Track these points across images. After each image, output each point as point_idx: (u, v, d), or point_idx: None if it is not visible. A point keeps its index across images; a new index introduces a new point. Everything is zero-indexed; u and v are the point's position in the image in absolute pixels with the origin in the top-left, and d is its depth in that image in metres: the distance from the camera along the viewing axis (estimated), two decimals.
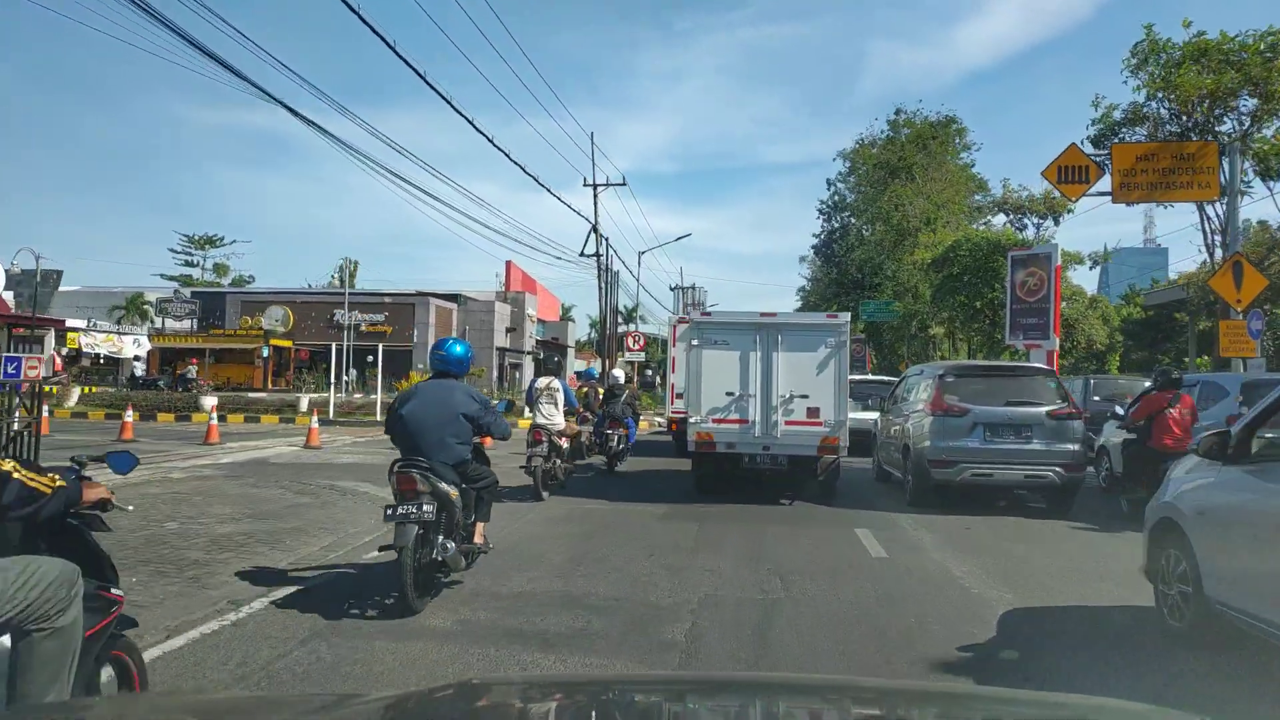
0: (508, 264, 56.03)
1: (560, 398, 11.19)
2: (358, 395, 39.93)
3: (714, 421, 10.43)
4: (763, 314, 10.67)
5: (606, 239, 30.03)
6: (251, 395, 33.18)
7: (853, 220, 49.96)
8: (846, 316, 10.99)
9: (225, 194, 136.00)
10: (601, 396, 14.98)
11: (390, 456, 6.14)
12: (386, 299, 44.02)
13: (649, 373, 23.47)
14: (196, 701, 2.72)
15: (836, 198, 51.80)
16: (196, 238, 70.96)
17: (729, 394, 10.40)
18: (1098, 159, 14.80)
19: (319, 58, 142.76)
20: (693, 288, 57.60)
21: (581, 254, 29.41)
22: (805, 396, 10.29)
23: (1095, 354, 38.03)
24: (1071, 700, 2.20)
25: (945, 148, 40.29)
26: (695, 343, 10.61)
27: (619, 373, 15.84)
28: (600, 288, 30.06)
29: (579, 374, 36.70)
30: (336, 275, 59.57)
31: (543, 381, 11.48)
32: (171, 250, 72.49)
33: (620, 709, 1.89)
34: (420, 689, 3.24)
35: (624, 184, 30.38)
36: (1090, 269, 30.25)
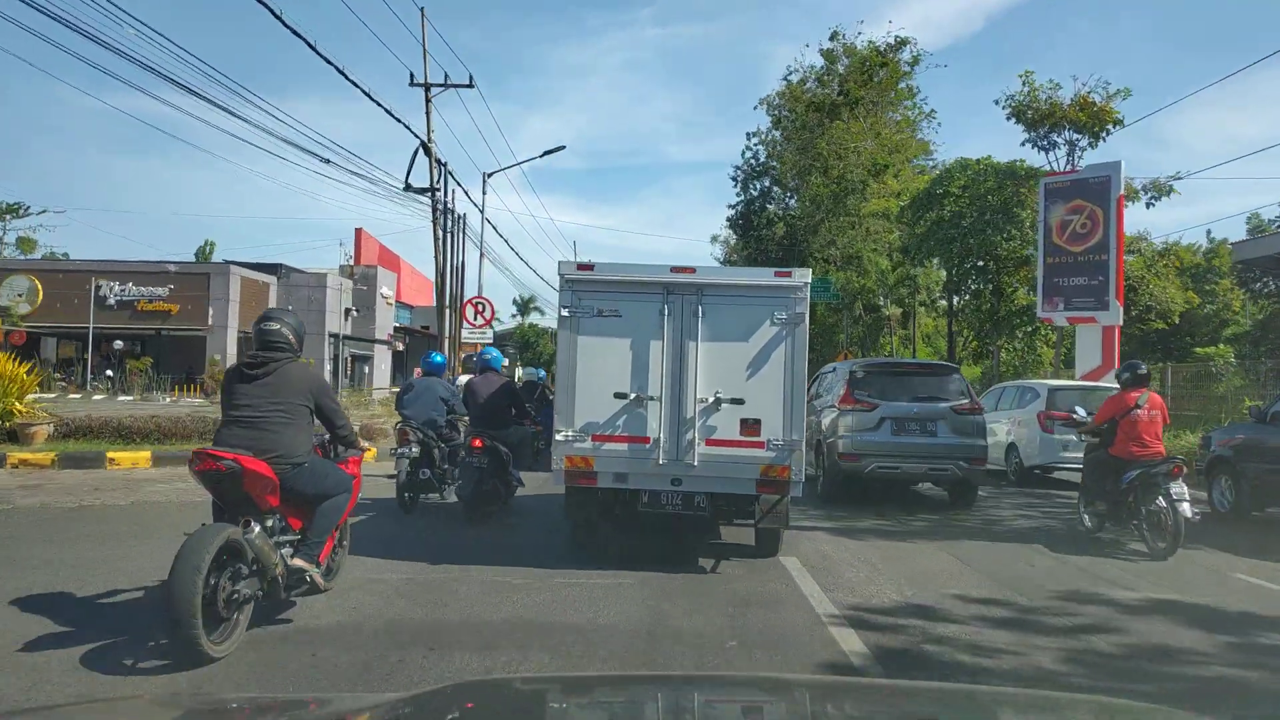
0: (358, 232, 45.56)
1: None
2: (123, 397, 29.27)
3: (594, 440, 6.91)
4: (675, 269, 7.00)
5: (445, 164, 20.40)
6: None
7: (776, 189, 41.04)
8: (806, 275, 6.94)
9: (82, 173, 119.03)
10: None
11: None
12: (172, 268, 33.10)
13: (506, 363, 15.15)
14: (189, 705, 2.77)
15: (755, 161, 42.86)
16: None
17: (618, 396, 6.89)
18: None
19: (209, 39, 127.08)
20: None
21: (406, 186, 19.72)
22: (739, 402, 6.87)
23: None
24: (1071, 700, 2.36)
25: (895, 81, 32.14)
26: (566, 313, 6.96)
27: (533, 369, 16.23)
28: (437, 236, 20.40)
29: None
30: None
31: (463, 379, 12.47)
32: None
33: (620, 707, 1.95)
34: (418, 691, 2.99)
35: (470, 85, 20.78)
36: (1148, 207, 21.00)
